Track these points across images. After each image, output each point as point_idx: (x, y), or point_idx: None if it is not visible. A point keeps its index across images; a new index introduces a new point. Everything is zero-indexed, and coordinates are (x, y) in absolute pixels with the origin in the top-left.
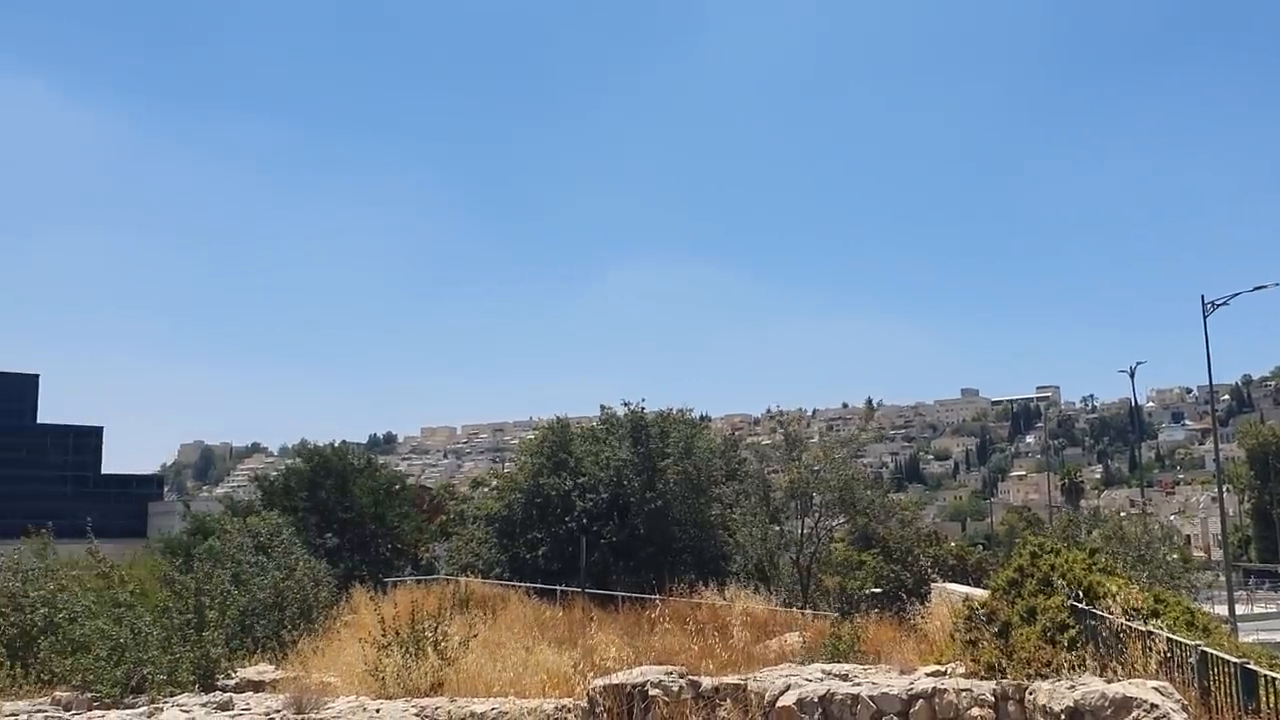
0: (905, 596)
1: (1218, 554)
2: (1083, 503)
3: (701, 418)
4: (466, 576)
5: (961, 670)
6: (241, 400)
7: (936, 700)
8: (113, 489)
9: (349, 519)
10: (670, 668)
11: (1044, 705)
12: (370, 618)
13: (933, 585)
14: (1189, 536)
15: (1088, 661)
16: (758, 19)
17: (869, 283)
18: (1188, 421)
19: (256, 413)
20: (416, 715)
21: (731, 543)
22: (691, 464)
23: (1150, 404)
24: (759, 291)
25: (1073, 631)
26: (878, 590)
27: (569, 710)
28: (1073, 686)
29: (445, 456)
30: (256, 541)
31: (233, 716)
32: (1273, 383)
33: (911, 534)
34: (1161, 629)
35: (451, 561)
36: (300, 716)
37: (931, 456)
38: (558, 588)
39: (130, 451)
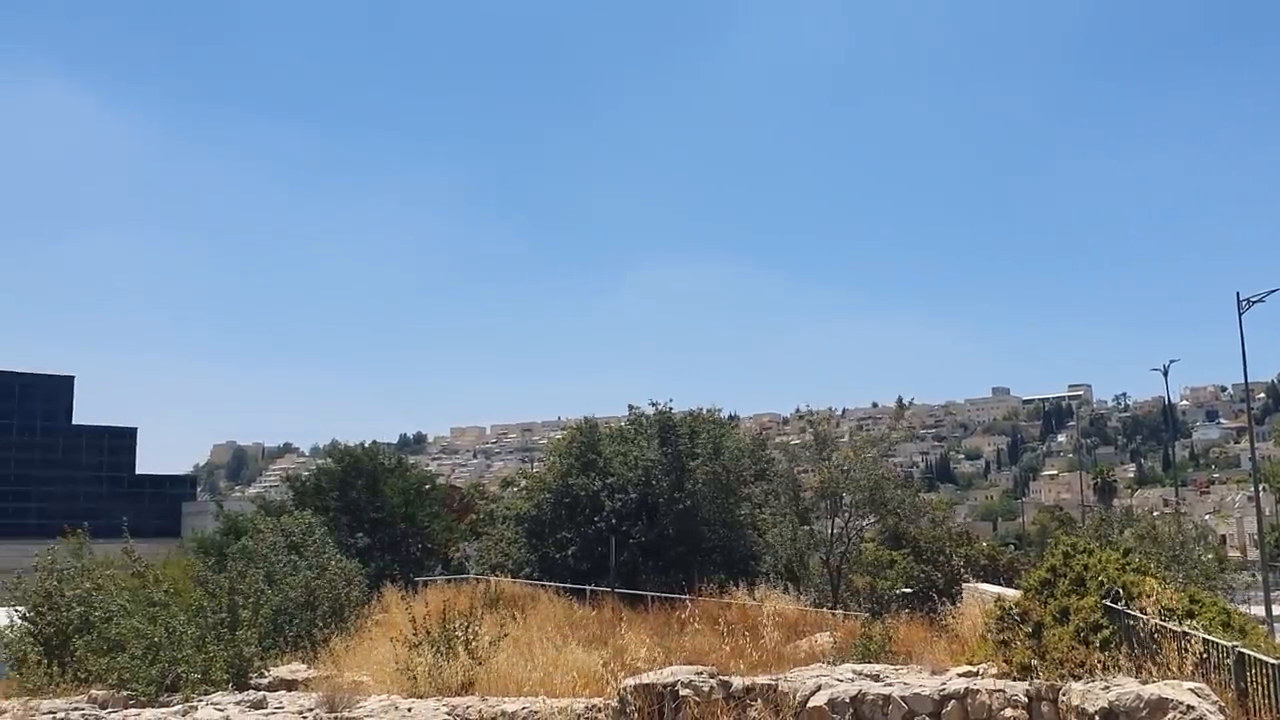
0: (936, 596)
1: (1254, 554)
2: (1115, 502)
3: (730, 417)
4: (496, 576)
5: (994, 671)
6: (273, 401)
7: (969, 701)
8: (147, 489)
9: (380, 519)
10: (701, 668)
11: (1078, 706)
12: (401, 617)
13: (964, 585)
14: (1224, 536)
15: (1122, 662)
16: (784, 19)
17: (899, 281)
18: (1222, 420)
19: (288, 413)
20: (448, 714)
21: (761, 543)
22: (720, 464)
23: (1184, 402)
24: (788, 291)
25: (1106, 632)
26: (908, 590)
27: (600, 710)
28: (1107, 687)
29: (474, 456)
30: (289, 541)
31: (266, 715)
32: None
33: (942, 534)
34: (1197, 629)
35: (481, 561)
36: (333, 715)
37: (962, 456)
38: (587, 587)
39: (164, 452)
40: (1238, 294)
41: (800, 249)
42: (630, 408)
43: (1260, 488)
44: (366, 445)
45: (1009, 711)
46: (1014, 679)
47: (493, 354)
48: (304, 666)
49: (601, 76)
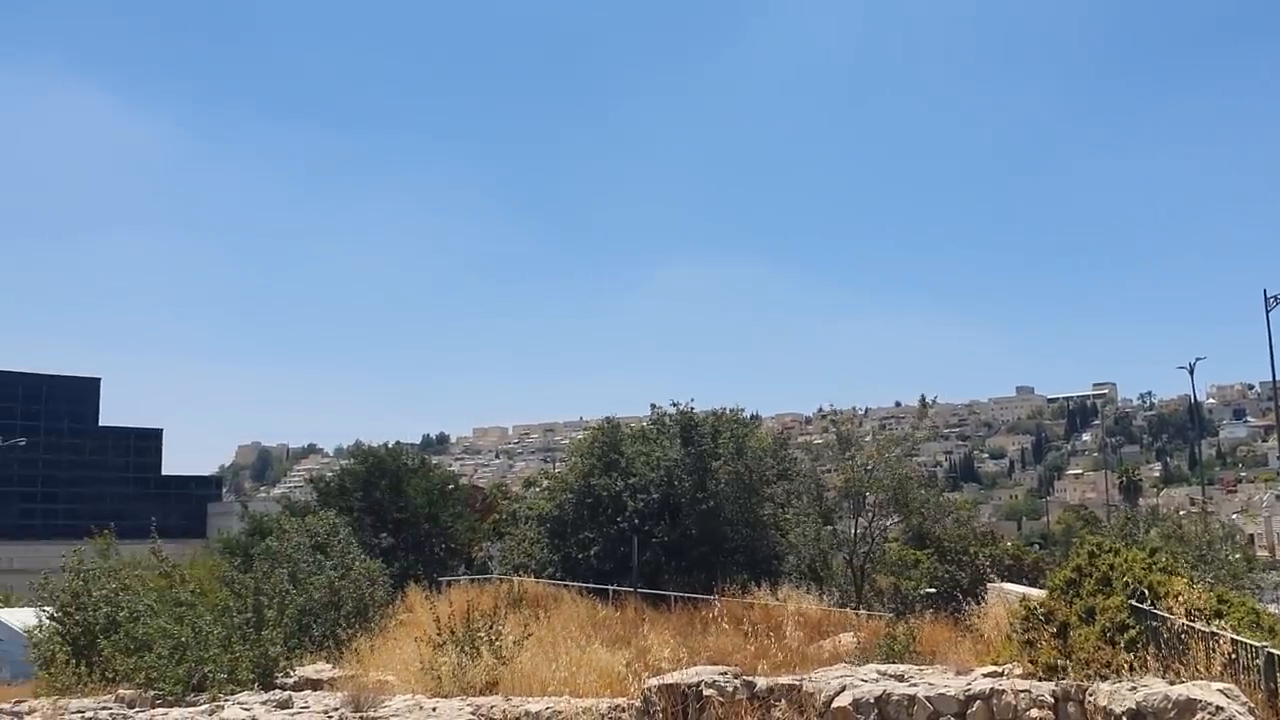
0: (960, 597)
1: None
2: (1141, 501)
3: (752, 417)
4: (519, 576)
5: (1019, 671)
6: (297, 401)
7: (994, 701)
8: (172, 490)
9: (404, 519)
10: (725, 668)
11: (1105, 707)
12: (425, 616)
13: (989, 585)
14: (1252, 536)
15: (1149, 663)
16: (797, 18)
17: (922, 280)
18: (1249, 418)
19: (312, 414)
20: (473, 713)
21: (784, 543)
22: (743, 464)
23: (1210, 400)
24: (810, 290)
25: (1133, 632)
26: (932, 590)
27: (624, 710)
28: (1134, 688)
29: (497, 456)
30: (314, 541)
31: (292, 715)
32: None
33: (967, 533)
34: (1225, 630)
35: (504, 561)
36: (358, 715)
37: (986, 455)
38: (610, 587)
39: (190, 453)
40: (1264, 291)
41: (822, 248)
42: (652, 407)
43: None
44: (390, 446)
45: (1035, 712)
46: (1039, 679)
47: (514, 354)
48: (329, 666)
49: (617, 76)
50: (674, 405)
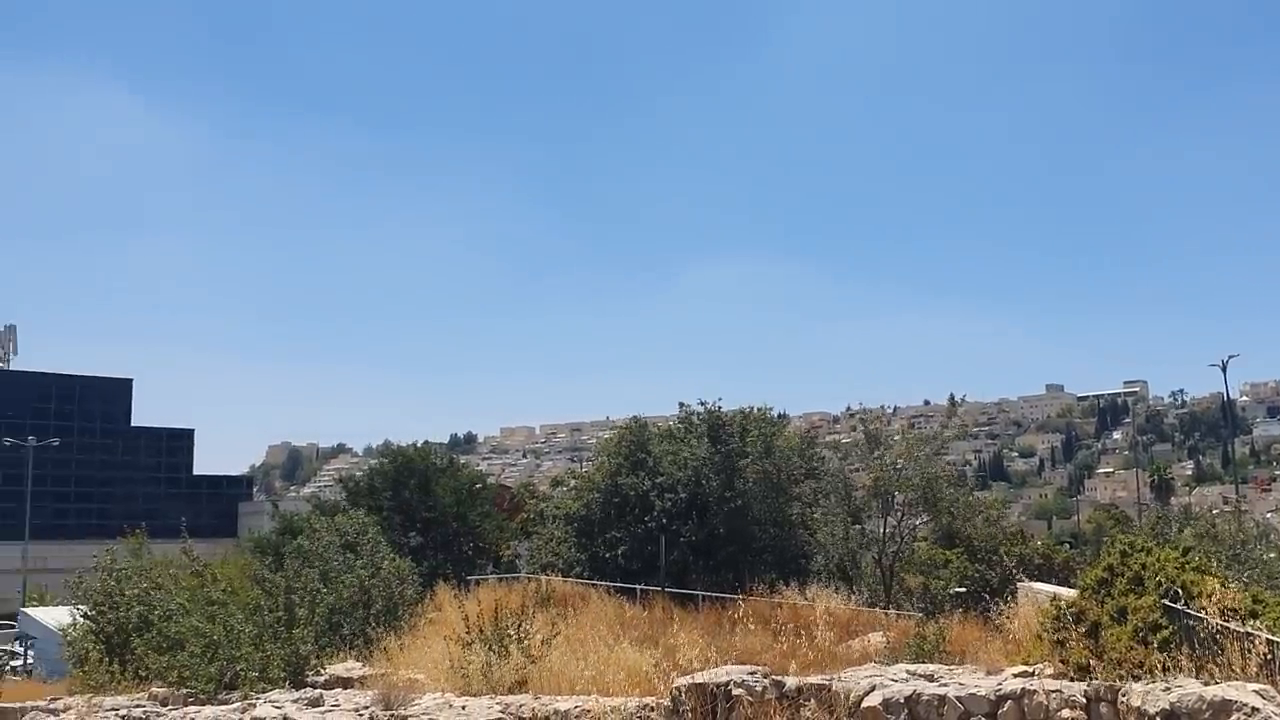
0: (990, 596)
1: None
2: (1173, 500)
3: (780, 416)
4: (547, 575)
5: (1049, 671)
6: (326, 401)
7: (1025, 701)
8: (204, 489)
9: (432, 518)
10: (754, 667)
11: (1138, 707)
12: (454, 615)
13: (1019, 585)
14: None
15: (1182, 663)
16: (834, 15)
17: (950, 278)
18: None
19: (341, 413)
20: (502, 712)
21: (812, 542)
22: (771, 463)
23: (1244, 398)
24: (838, 288)
25: (1166, 632)
26: (962, 590)
27: (652, 709)
28: (1168, 688)
29: (524, 456)
30: (344, 540)
31: (323, 713)
32: None
33: (996, 533)
34: (1261, 630)
35: (532, 560)
36: (389, 713)
37: (1016, 454)
38: (637, 587)
39: (221, 453)
40: None
41: (850, 246)
42: (680, 406)
43: None
44: (419, 445)
45: (1066, 712)
46: (1071, 679)
47: (541, 354)
48: (359, 664)
49: (646, 76)
50: (702, 404)
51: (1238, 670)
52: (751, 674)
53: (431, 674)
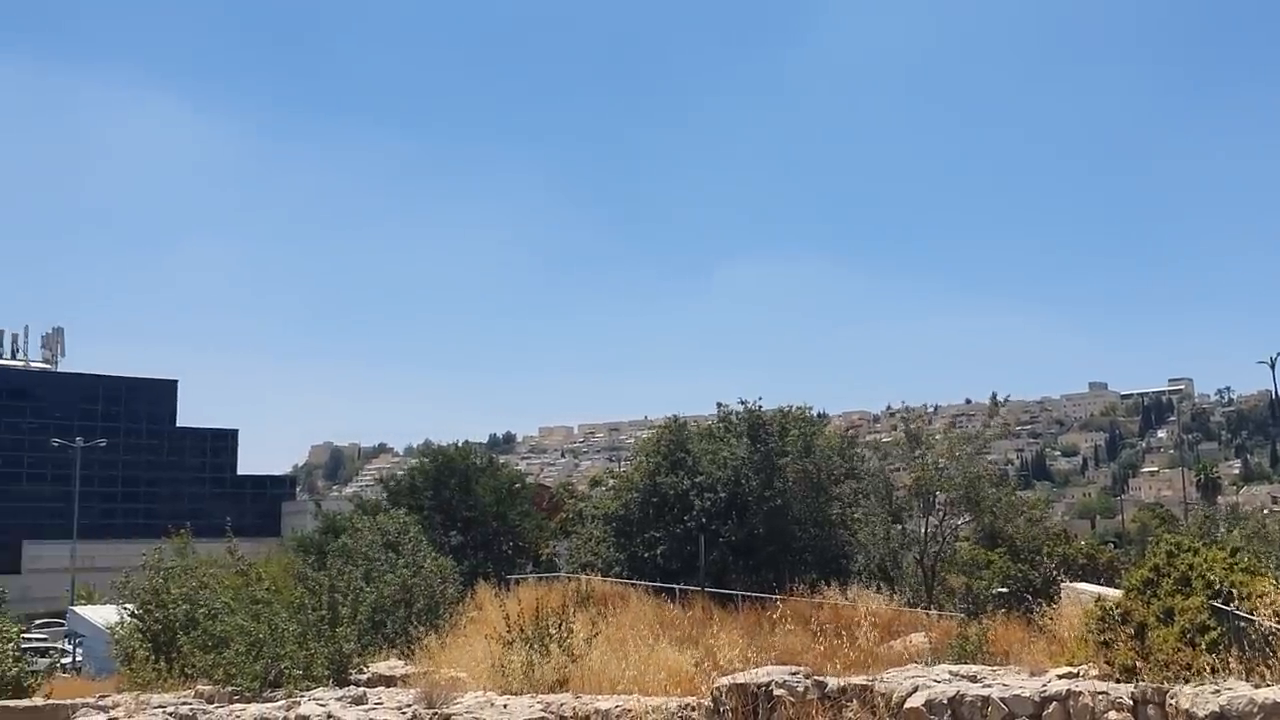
0: (1033, 596)
1: None
2: (1220, 499)
3: (819, 415)
4: (586, 575)
5: (1095, 672)
6: (368, 401)
7: (1071, 703)
8: (248, 489)
9: (472, 517)
10: (795, 668)
11: (1187, 710)
12: (495, 614)
13: (1062, 585)
14: None
15: (1232, 665)
16: (869, 12)
17: (991, 276)
18: None
19: (382, 414)
20: (543, 710)
21: (853, 542)
22: (811, 462)
23: None
24: (878, 287)
25: (1214, 634)
26: (1004, 590)
27: (693, 709)
28: (1217, 691)
29: (562, 456)
30: (385, 539)
31: (367, 711)
32: None
33: (1039, 532)
34: None
35: (571, 560)
36: (431, 711)
37: (1059, 453)
38: (677, 586)
39: (264, 453)
40: None
41: (890, 245)
42: (719, 406)
43: None
44: (459, 445)
45: (1113, 714)
46: (1117, 681)
47: (580, 353)
48: (401, 663)
49: (684, 76)
50: (741, 403)
51: None
52: (793, 674)
53: (473, 673)
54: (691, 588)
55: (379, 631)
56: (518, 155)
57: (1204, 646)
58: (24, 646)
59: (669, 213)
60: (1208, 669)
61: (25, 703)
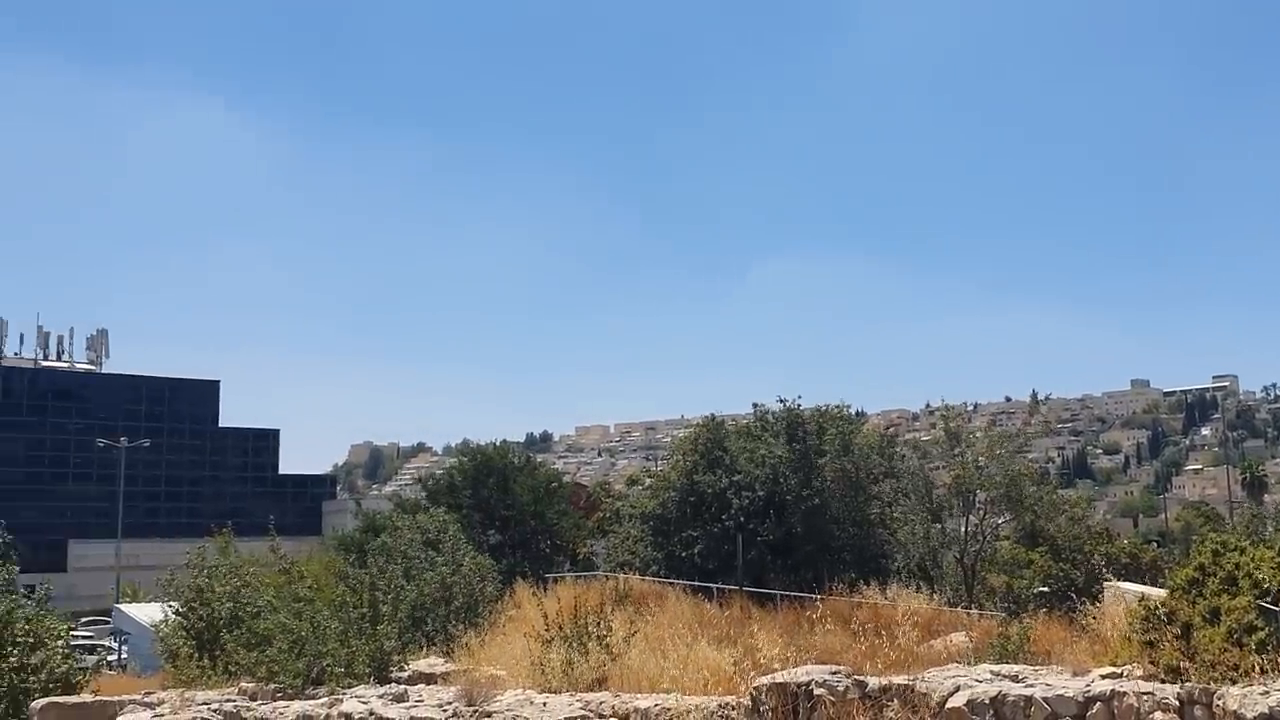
0: (1076, 596)
1: None
2: (1266, 498)
3: (858, 414)
4: (624, 574)
5: (1139, 673)
6: (406, 401)
7: (1115, 703)
8: (289, 488)
9: (510, 516)
10: (835, 667)
11: (1235, 711)
12: (533, 613)
13: (1105, 584)
14: None
15: None
16: (907, 8)
17: (1031, 272)
18: None
19: (421, 413)
20: (582, 709)
21: (892, 541)
22: (850, 461)
23: None
24: (917, 285)
25: (1262, 634)
26: (1046, 590)
27: (733, 708)
28: (1266, 691)
29: (599, 455)
30: (425, 538)
31: (408, 708)
32: None
33: (1081, 531)
34: None
35: (609, 559)
36: (472, 708)
37: (1100, 450)
38: (715, 586)
39: (304, 452)
40: None
41: (929, 242)
42: (755, 406)
43: None
44: (497, 444)
45: (1159, 715)
46: (1162, 681)
47: (616, 353)
48: (441, 660)
49: (719, 74)
50: (780, 401)
51: None
52: (833, 673)
53: (512, 670)
54: (729, 587)
55: (419, 629)
56: (552, 155)
57: (1252, 646)
58: (71, 644)
59: (702, 212)
60: (1256, 669)
61: (74, 699)
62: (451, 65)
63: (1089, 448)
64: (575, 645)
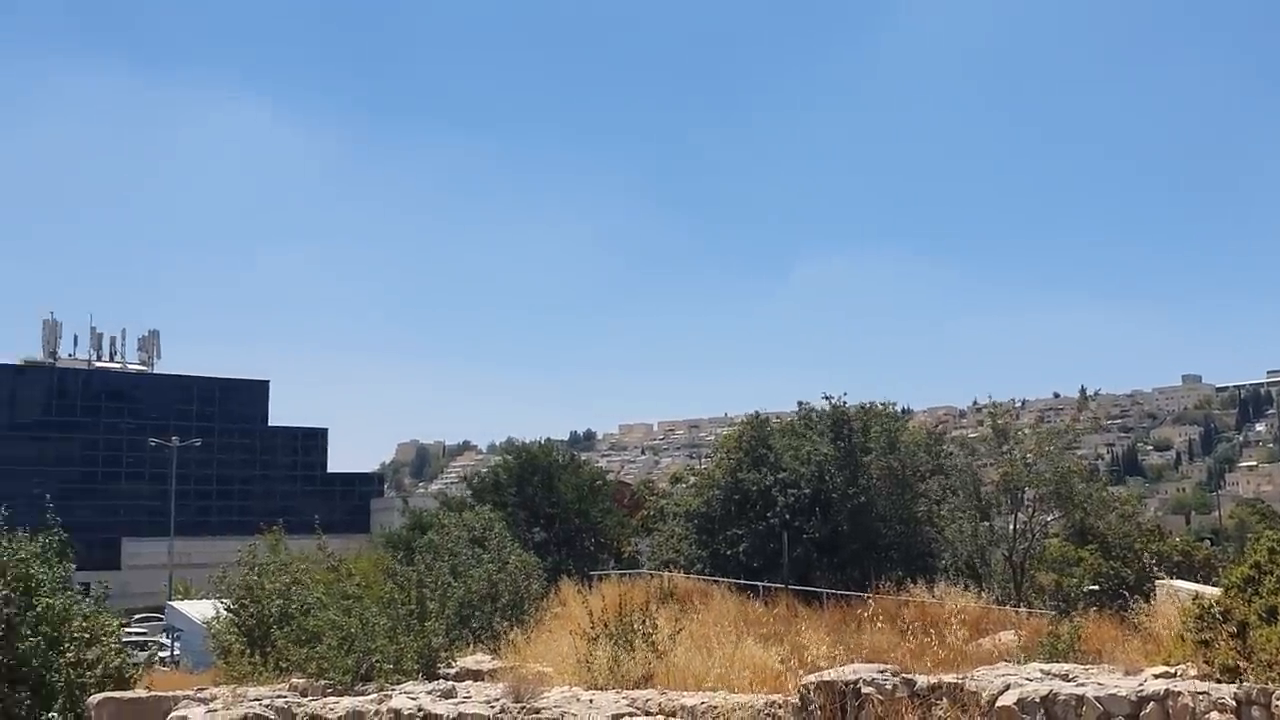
0: (1127, 594)
1: None
2: None
3: (904, 411)
4: (668, 572)
5: (1193, 672)
6: (451, 400)
7: (1170, 703)
8: (337, 486)
9: (555, 514)
10: (883, 665)
11: None
12: (579, 610)
13: (1157, 582)
14: None
15: None
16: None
17: (1078, 267)
18: None
19: (465, 412)
20: (629, 706)
21: (939, 539)
22: (896, 458)
23: None
24: (961, 281)
25: None
26: (1096, 588)
27: (780, 706)
28: None
29: (642, 453)
30: (471, 536)
31: (456, 704)
32: None
33: (1131, 529)
34: None
35: (653, 557)
36: (519, 705)
37: (1151, 447)
38: (760, 584)
39: (352, 451)
40: None
41: (975, 238)
42: (800, 404)
43: None
44: (541, 442)
45: (1215, 715)
46: (1217, 681)
47: (659, 351)
48: (488, 657)
49: (762, 71)
50: (826, 399)
51: None
52: (881, 672)
53: (558, 667)
54: (775, 585)
55: (465, 626)
56: (595, 156)
57: None
58: (123, 640)
59: (745, 211)
60: None
61: (130, 694)
62: (497, 66)
63: (1139, 444)
64: (621, 643)
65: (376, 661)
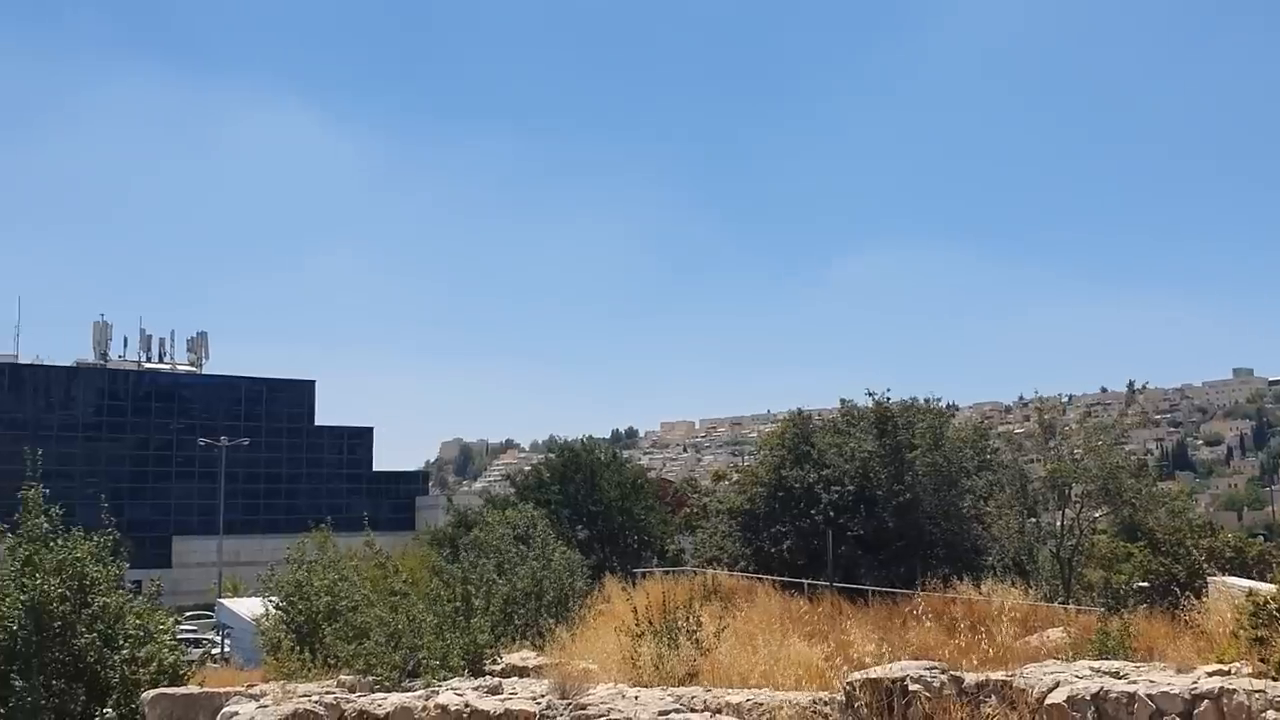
0: (1178, 591)
1: None
2: None
3: (949, 406)
4: (712, 569)
5: (1247, 670)
6: (495, 398)
7: (1224, 701)
8: (382, 484)
9: (598, 512)
10: (930, 662)
11: None
12: (623, 607)
13: (1209, 579)
14: None
15: None
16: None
17: (1125, 262)
18: None
19: (509, 410)
20: (674, 702)
21: (986, 536)
22: (941, 454)
23: None
24: (1006, 276)
25: None
26: (1145, 585)
27: (825, 703)
28: None
29: (684, 451)
30: (515, 533)
31: (502, 700)
32: None
33: (1182, 525)
34: None
35: (697, 554)
36: (565, 701)
37: (1201, 442)
38: (804, 581)
39: (398, 449)
40: None
41: (1021, 233)
42: (842, 401)
43: None
44: (583, 440)
45: (1272, 714)
46: (1273, 679)
47: (701, 348)
48: (534, 654)
49: (803, 66)
50: (870, 395)
51: None
52: (929, 669)
53: (603, 664)
54: (820, 583)
55: (510, 623)
56: (637, 154)
57: None
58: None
59: (785, 208)
60: None
61: (182, 690)
62: (543, 67)
63: (1189, 439)
64: (666, 640)
65: (423, 658)
